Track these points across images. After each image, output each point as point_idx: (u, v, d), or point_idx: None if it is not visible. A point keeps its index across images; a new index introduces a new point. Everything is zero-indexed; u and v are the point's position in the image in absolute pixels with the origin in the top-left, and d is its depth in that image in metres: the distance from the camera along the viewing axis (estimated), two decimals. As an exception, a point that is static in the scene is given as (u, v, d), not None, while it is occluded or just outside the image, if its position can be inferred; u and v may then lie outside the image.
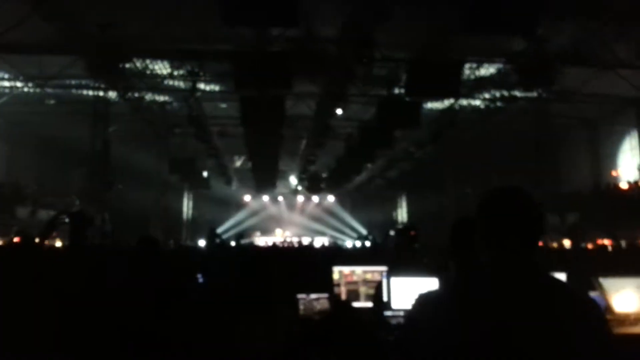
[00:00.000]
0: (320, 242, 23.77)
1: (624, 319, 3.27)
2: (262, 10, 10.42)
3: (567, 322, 1.48)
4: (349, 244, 24.61)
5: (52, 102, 17.98)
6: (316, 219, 31.76)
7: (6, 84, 17.60)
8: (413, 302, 1.72)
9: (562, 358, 1.44)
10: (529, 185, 19.32)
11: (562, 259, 4.58)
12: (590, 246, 13.02)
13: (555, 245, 13.28)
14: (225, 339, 2.50)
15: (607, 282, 3.38)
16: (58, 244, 7.90)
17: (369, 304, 4.52)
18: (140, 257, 3.96)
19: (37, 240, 3.95)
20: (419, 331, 1.61)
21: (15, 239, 9.01)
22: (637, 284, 3.42)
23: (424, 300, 1.67)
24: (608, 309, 3.31)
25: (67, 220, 4.01)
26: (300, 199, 32.92)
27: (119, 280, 3.05)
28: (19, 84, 17.34)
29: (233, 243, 15.59)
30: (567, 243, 14.57)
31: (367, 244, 13.29)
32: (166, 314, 3.03)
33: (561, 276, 3.47)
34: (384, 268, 4.89)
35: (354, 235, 27.99)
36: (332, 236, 29.08)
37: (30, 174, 23.58)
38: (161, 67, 16.59)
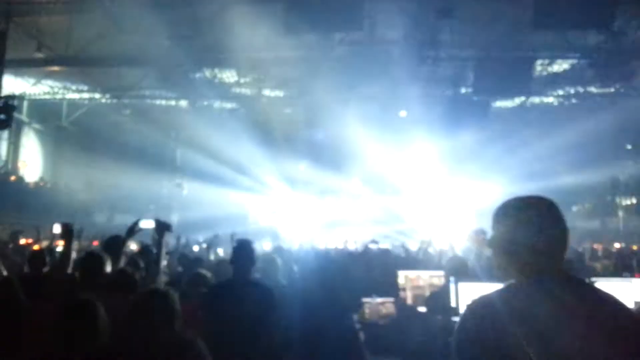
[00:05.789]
0: (386, 246, 23.45)
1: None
2: (326, 16, 10.48)
3: (605, 336, 1.40)
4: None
5: (127, 112, 18.90)
6: (382, 222, 31.41)
7: (85, 95, 18.69)
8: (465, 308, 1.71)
9: None
10: (604, 185, 18.37)
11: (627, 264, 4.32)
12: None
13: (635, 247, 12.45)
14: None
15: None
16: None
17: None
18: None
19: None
20: (465, 340, 1.58)
21: (94, 242, 9.57)
22: None
23: (471, 308, 1.64)
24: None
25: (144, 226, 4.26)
26: (365, 201, 32.68)
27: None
28: (97, 96, 18.36)
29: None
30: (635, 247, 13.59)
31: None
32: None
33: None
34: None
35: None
36: (398, 240, 28.66)
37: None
38: (228, 76, 17.09)
